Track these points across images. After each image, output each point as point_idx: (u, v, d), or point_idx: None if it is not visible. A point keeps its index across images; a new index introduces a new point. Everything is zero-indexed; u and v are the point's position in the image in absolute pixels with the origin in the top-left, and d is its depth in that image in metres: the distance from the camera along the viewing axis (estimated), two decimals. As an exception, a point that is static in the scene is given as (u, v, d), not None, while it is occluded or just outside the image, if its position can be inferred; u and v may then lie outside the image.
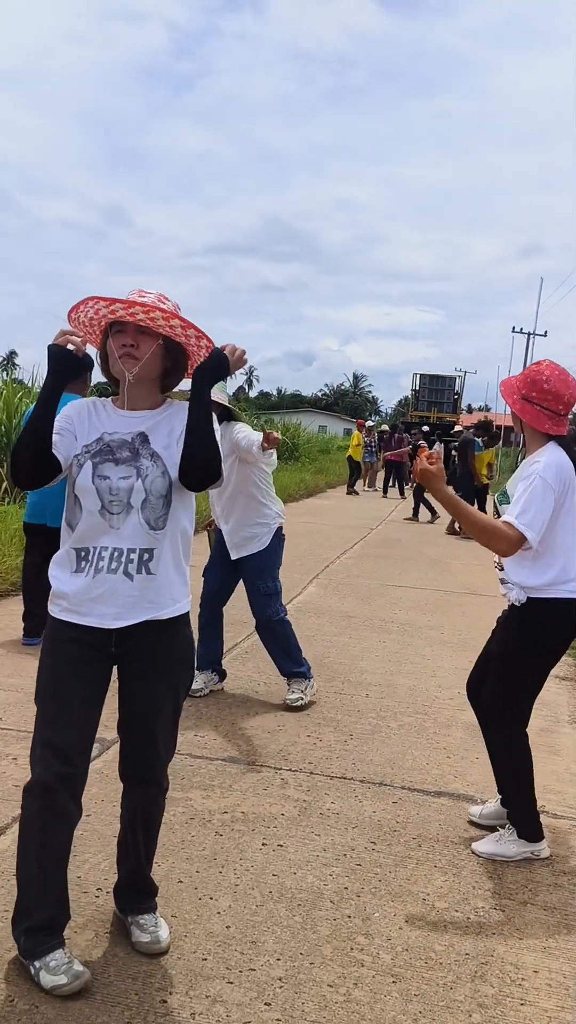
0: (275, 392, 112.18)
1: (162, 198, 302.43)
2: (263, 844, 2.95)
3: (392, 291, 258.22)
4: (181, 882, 2.67)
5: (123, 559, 2.16)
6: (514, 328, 44.41)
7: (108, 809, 3.05)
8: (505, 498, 2.97)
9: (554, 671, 5.38)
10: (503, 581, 2.96)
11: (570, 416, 2.89)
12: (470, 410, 61.81)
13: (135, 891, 2.40)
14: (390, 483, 20.25)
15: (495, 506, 3.11)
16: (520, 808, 3.00)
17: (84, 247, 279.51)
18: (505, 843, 2.98)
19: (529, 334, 44.18)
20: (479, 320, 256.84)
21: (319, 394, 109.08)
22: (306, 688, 4.43)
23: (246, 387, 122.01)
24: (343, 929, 2.49)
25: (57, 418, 2.17)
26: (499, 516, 2.86)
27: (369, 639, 5.96)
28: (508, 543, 2.72)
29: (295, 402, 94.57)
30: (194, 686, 4.29)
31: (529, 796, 3.00)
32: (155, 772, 2.32)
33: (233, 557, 4.33)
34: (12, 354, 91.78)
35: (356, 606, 7.06)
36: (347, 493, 19.81)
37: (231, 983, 2.21)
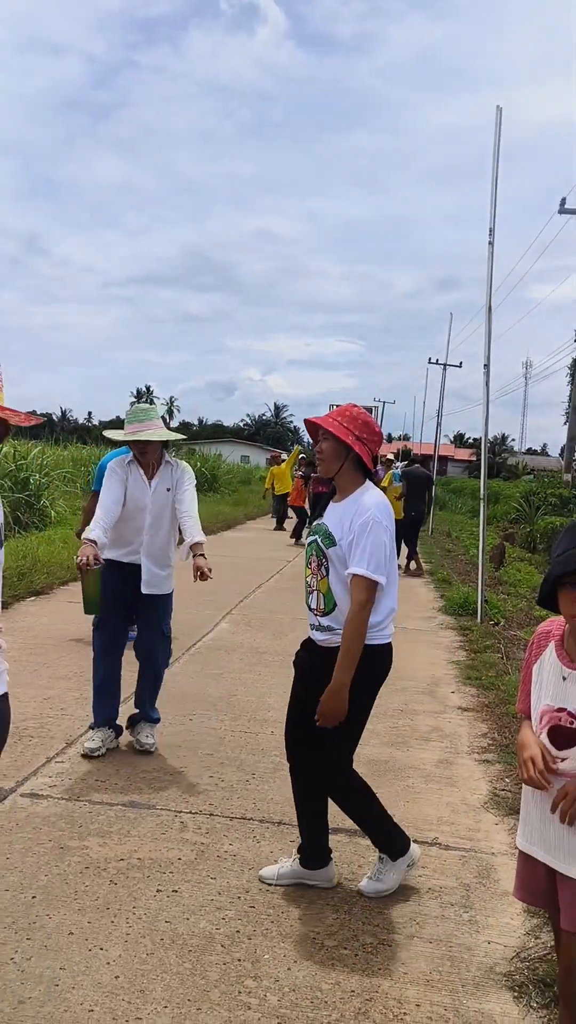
0: (196, 422, 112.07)
1: (81, 227, 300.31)
2: (158, 891, 2.97)
3: (313, 322, 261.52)
4: (72, 934, 2.67)
5: None
6: (430, 359, 45.45)
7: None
8: (329, 539, 2.91)
9: (456, 702, 5.56)
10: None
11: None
12: (390, 439, 62.89)
13: None
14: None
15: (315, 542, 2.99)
16: (379, 833, 3.05)
17: (0, 275, 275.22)
18: (383, 876, 3.03)
19: (445, 364, 45.48)
20: (398, 351, 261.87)
21: (241, 424, 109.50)
22: (154, 733, 4.46)
23: (167, 417, 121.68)
24: (232, 973, 2.52)
25: None
26: (322, 548, 2.90)
27: (277, 675, 6.01)
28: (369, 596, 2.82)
29: (217, 432, 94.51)
30: (92, 745, 4.24)
31: (381, 816, 3.05)
32: None
33: (145, 591, 4.28)
34: None
35: (267, 642, 7.12)
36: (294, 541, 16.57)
37: (116, 1035, 2.22)
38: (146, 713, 4.46)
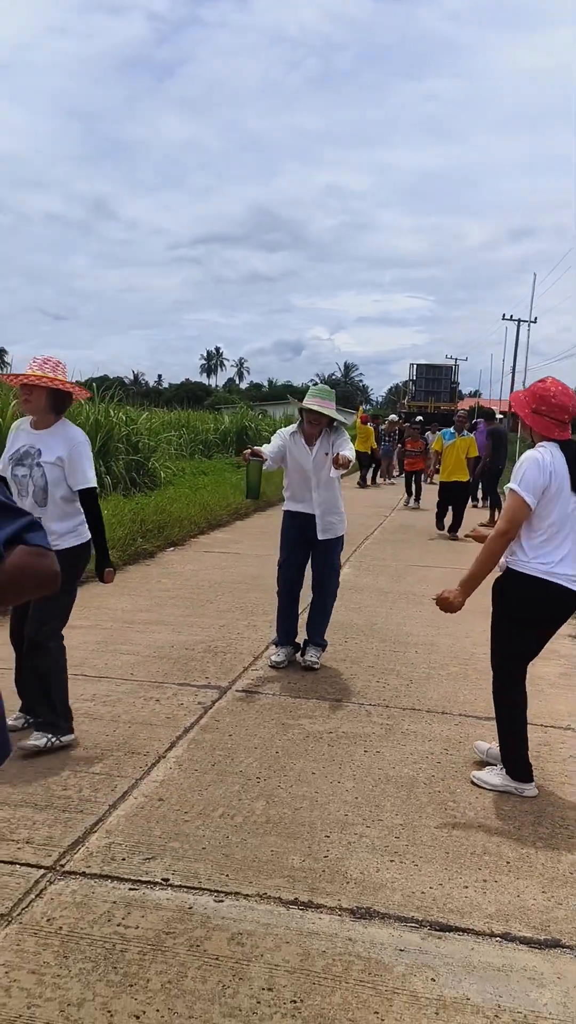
0: (266, 383, 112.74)
1: (148, 189, 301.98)
2: (364, 751, 3.97)
3: (381, 278, 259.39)
4: (313, 774, 3.68)
5: None
6: (504, 315, 45.28)
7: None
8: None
9: (565, 631, 6.43)
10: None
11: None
12: (461, 396, 62.69)
13: None
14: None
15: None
16: (505, 749, 3.68)
17: (70, 241, 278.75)
18: (494, 775, 3.70)
19: (519, 321, 45.31)
20: (470, 305, 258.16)
21: (310, 384, 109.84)
22: (321, 655, 5.40)
23: (236, 379, 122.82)
24: (437, 798, 3.51)
25: None
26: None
27: (407, 610, 6.97)
28: (512, 510, 3.45)
29: (286, 392, 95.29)
30: (277, 659, 5.28)
31: (512, 741, 3.64)
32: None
33: (321, 538, 5.28)
34: (2, 352, 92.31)
35: (389, 584, 8.07)
36: (358, 486, 19.84)
37: (368, 827, 3.22)
38: (316, 639, 5.45)
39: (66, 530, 3.86)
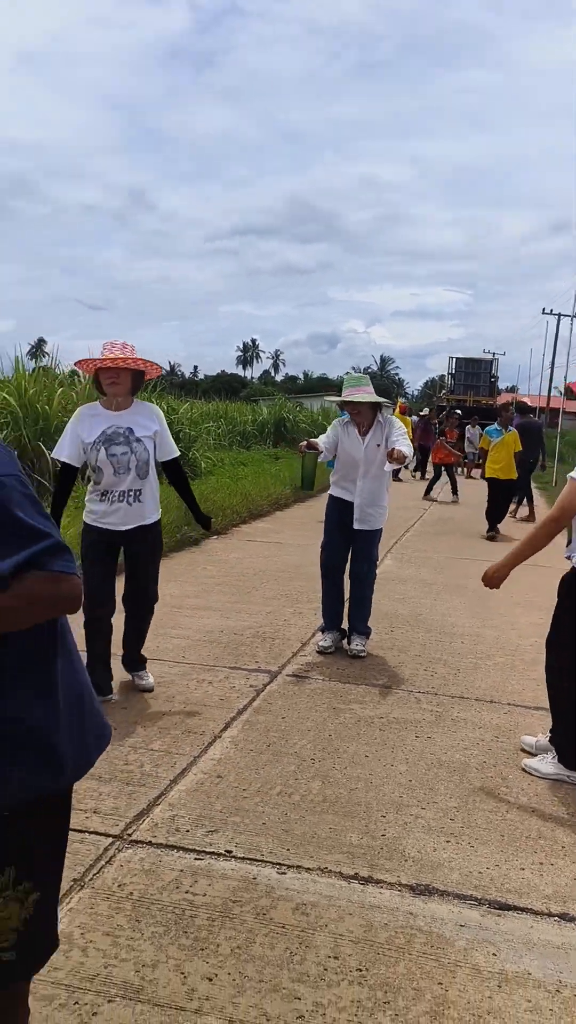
0: (301, 376, 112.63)
1: (185, 180, 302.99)
2: (416, 736, 4.02)
3: (418, 271, 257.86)
4: (367, 756, 3.75)
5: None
6: (544, 310, 44.81)
7: (299, 712, 4.12)
8: None
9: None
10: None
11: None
12: (499, 392, 62.15)
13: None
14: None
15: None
16: (558, 737, 3.71)
17: (107, 231, 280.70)
18: (546, 763, 3.74)
19: (560, 315, 44.79)
20: (508, 299, 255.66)
21: (346, 376, 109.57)
22: (366, 643, 5.44)
23: (272, 371, 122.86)
24: (490, 783, 3.56)
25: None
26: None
27: (451, 601, 7.00)
28: (568, 498, 3.43)
29: (322, 385, 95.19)
30: (324, 644, 5.34)
31: (566, 731, 3.65)
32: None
33: (356, 527, 5.33)
34: (41, 342, 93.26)
35: (432, 575, 8.10)
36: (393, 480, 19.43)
37: (423, 809, 3.28)
38: (359, 627, 5.50)
39: (156, 505, 4.28)
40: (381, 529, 5.47)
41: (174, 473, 4.44)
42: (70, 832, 1.74)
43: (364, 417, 5.27)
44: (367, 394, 5.22)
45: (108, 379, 4.04)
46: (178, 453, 4.40)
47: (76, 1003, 2.12)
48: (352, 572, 5.50)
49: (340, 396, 5.31)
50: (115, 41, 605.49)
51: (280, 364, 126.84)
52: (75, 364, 4.72)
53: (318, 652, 5.31)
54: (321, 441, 5.28)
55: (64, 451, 4.14)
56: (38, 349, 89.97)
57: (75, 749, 1.60)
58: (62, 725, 1.58)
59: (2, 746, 1.50)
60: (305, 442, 5.29)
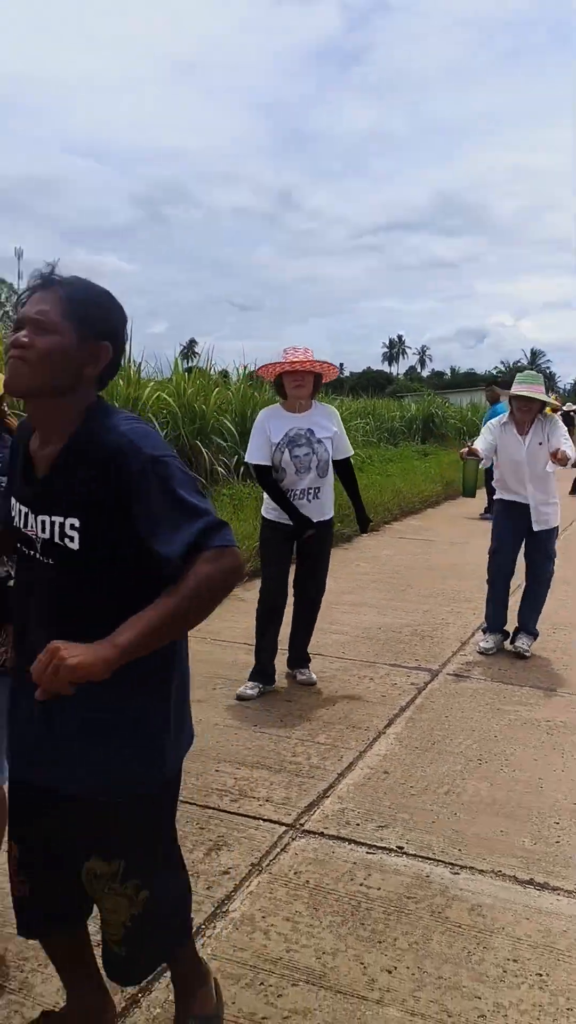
0: (448, 371, 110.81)
1: (331, 177, 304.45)
2: (586, 741, 3.90)
3: (569, 260, 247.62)
4: (535, 760, 3.67)
5: None
6: None
7: (463, 712, 4.09)
8: None
9: None
10: None
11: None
12: None
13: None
14: None
15: None
16: None
17: (256, 232, 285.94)
18: None
19: None
20: None
21: (494, 371, 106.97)
22: (531, 643, 5.29)
23: (418, 366, 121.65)
24: None
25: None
26: None
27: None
28: None
29: (470, 380, 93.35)
30: (486, 645, 5.26)
31: None
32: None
33: (536, 529, 5.20)
34: (192, 342, 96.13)
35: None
36: None
37: (598, 817, 3.19)
38: (528, 626, 5.37)
39: (332, 503, 4.45)
40: (558, 527, 5.34)
41: (345, 471, 4.56)
42: (244, 817, 1.82)
43: (528, 416, 5.14)
44: (540, 394, 5.10)
45: (294, 383, 4.20)
46: (352, 452, 4.55)
47: (261, 984, 2.20)
48: (529, 571, 5.38)
49: (511, 390, 5.21)
50: (265, 45, 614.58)
51: (427, 359, 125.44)
52: (257, 371, 4.88)
53: (479, 652, 5.24)
54: (479, 447, 5.17)
55: (255, 455, 4.35)
56: (189, 350, 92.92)
57: (176, 750, 1.74)
58: (172, 728, 1.71)
59: (122, 744, 1.63)
60: (466, 448, 5.23)
